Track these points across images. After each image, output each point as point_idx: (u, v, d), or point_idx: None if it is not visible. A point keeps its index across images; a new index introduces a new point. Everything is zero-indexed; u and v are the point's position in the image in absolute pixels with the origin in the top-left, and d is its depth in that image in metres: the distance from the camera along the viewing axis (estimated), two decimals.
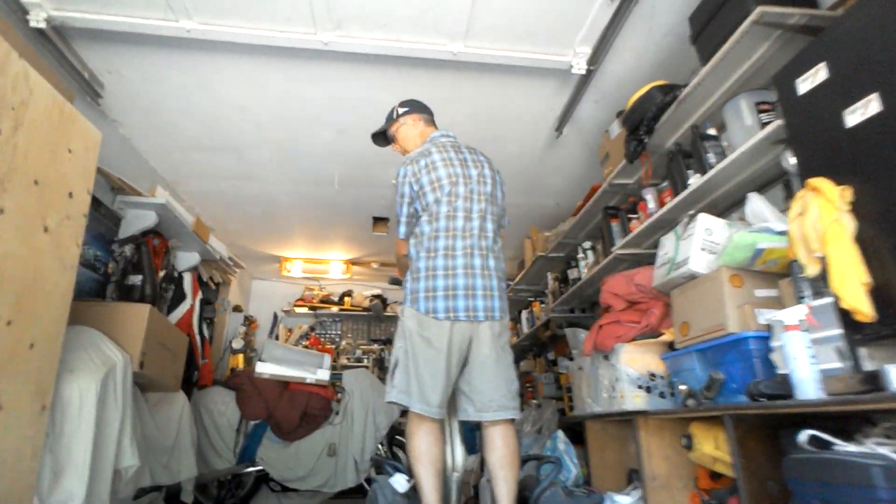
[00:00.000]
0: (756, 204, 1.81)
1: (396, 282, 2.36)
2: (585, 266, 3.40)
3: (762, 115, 1.82)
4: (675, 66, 2.41)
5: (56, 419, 1.85)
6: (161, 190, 3.13)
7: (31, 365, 1.68)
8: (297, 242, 5.09)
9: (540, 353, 4.81)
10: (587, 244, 3.41)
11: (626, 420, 2.40)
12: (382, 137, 2.31)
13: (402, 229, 2.01)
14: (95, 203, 2.86)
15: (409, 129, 2.21)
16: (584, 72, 2.39)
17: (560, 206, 4.10)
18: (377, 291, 6.19)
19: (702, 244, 1.89)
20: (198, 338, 3.58)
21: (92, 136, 2.08)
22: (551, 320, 4.08)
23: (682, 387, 1.93)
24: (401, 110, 2.22)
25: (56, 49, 2.31)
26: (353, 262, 5.76)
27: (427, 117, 2.25)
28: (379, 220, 4.57)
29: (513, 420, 1.84)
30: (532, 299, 4.84)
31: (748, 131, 1.82)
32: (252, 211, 4.24)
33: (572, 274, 3.62)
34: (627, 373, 2.18)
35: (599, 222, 3.25)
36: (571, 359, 3.35)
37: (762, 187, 2.00)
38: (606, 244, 2.90)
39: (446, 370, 1.76)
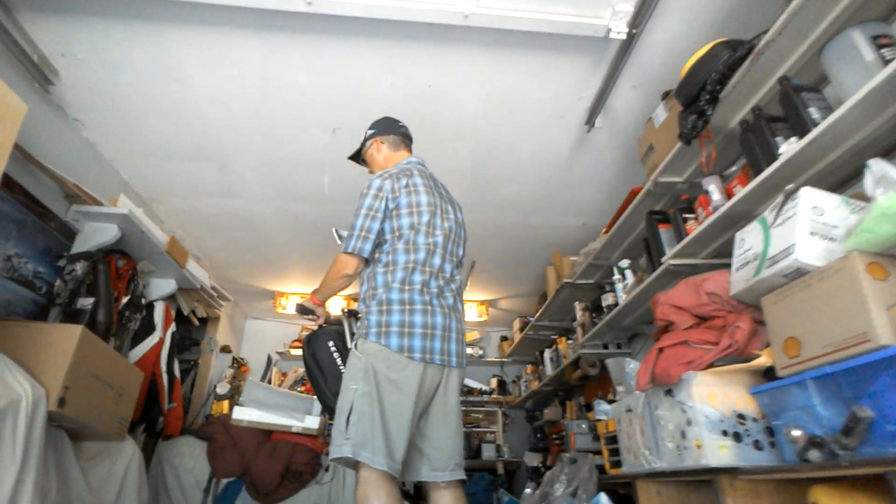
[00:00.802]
0: (883, 170, 1.29)
1: (306, 311, 1.97)
2: (623, 289, 2.85)
3: (884, 50, 1.34)
4: (735, 32, 1.96)
5: None
6: (125, 199, 2.70)
7: None
8: (292, 274, 4.61)
9: (567, 397, 4.16)
10: (624, 263, 2.87)
11: (702, 481, 1.78)
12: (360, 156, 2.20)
13: (362, 245, 1.74)
14: (41, 211, 2.43)
15: (375, 154, 2.08)
16: (623, 36, 1.95)
17: (588, 225, 3.59)
18: None
19: (810, 227, 1.36)
20: (165, 377, 3.03)
21: (12, 105, 1.66)
22: (581, 358, 3.48)
23: (796, 432, 1.33)
24: (368, 132, 2.12)
25: None
26: (355, 299, 5.23)
27: (394, 139, 2.09)
28: None
29: (464, 482, 1.70)
30: (556, 336, 4.25)
31: (867, 70, 1.34)
32: (239, 235, 3.79)
33: (606, 300, 3.06)
34: (705, 413, 1.59)
35: (640, 234, 2.74)
36: (612, 401, 2.73)
37: (889, 152, 1.48)
38: (654, 256, 2.36)
39: (411, 420, 1.57)
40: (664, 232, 2.30)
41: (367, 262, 1.80)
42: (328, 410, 1.83)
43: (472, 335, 5.60)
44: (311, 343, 1.92)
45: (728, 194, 1.88)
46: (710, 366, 1.61)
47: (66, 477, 1.99)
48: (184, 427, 3.30)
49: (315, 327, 2.01)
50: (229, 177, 3.06)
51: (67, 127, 2.60)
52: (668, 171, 2.26)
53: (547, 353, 4.16)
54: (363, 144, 2.13)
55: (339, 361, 1.84)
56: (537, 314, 4.20)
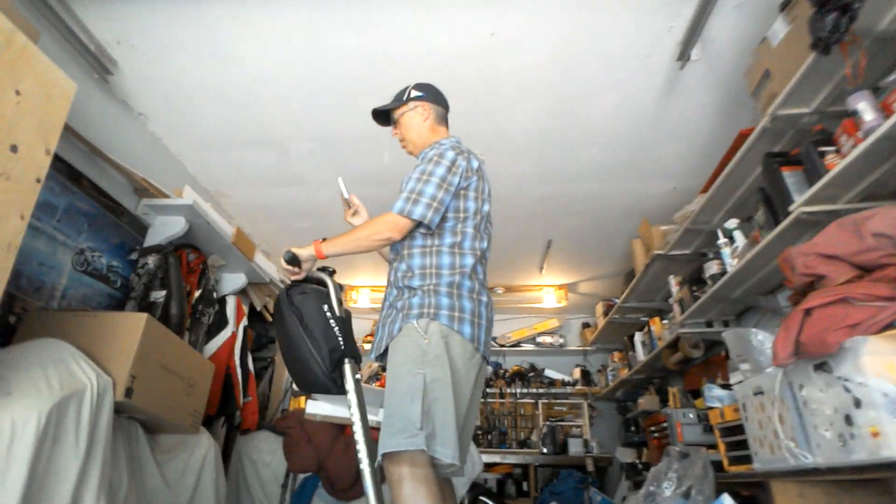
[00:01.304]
0: None
1: (296, 262, 1.59)
2: (732, 254, 2.42)
3: None
4: None
5: None
6: (189, 190, 2.67)
7: None
8: (360, 265, 4.52)
9: (664, 384, 3.73)
10: (731, 223, 2.44)
11: (869, 481, 1.39)
12: (384, 117, 1.88)
13: (432, 216, 1.54)
14: (112, 205, 2.43)
15: (416, 118, 1.80)
16: None
17: (679, 189, 3.15)
18: None
19: None
20: (239, 371, 2.99)
21: (60, 84, 1.59)
22: (681, 339, 3.06)
23: None
24: (414, 93, 1.81)
25: (52, 11, 1.93)
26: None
27: (441, 112, 1.85)
28: None
29: None
30: (647, 318, 3.82)
31: None
32: (304, 226, 3.72)
33: (709, 270, 2.64)
34: (883, 390, 1.20)
35: (752, 186, 2.32)
36: (726, 385, 2.33)
37: None
38: (777, 207, 1.95)
39: (469, 413, 1.49)
40: (790, 175, 1.88)
41: (413, 234, 1.61)
42: (316, 387, 1.54)
43: (550, 323, 5.26)
44: (294, 303, 1.57)
45: (886, 111, 1.46)
46: (888, 327, 1.22)
47: (140, 470, 1.94)
48: (261, 422, 3.26)
49: (288, 282, 1.67)
50: (288, 162, 2.97)
51: (133, 121, 2.61)
52: (790, 101, 1.84)
53: (637, 337, 3.74)
54: (401, 102, 1.81)
55: (336, 331, 1.54)
56: (624, 295, 3.80)
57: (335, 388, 1.53)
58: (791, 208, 1.82)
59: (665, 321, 3.31)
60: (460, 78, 2.31)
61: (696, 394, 2.95)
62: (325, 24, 2.05)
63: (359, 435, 1.48)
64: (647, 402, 3.61)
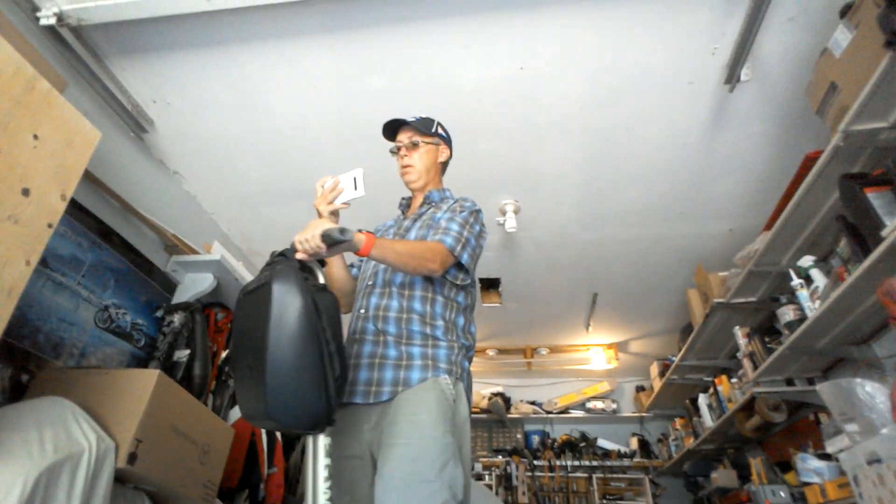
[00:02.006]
0: None
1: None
2: (812, 297, 2.11)
3: None
4: None
5: None
6: (218, 245, 2.63)
7: None
8: None
9: (739, 455, 3.24)
10: (806, 261, 2.15)
11: None
12: (391, 131, 1.67)
13: (473, 266, 1.47)
14: (144, 264, 2.40)
15: (434, 155, 1.65)
16: None
17: (736, 231, 2.88)
18: (497, 388, 5.08)
19: None
20: (264, 438, 2.78)
21: (83, 131, 1.58)
22: (757, 400, 2.65)
23: None
24: (440, 131, 1.68)
25: (90, 71, 2.00)
26: None
27: (448, 162, 1.75)
28: (489, 285, 3.68)
29: None
30: (711, 378, 3.41)
31: None
32: None
33: (784, 317, 2.31)
34: None
35: (827, 215, 2.05)
36: (826, 456, 1.94)
37: None
38: (866, 234, 1.67)
39: None
40: (876, 197, 1.62)
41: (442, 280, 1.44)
42: (313, 424, 1.10)
43: (601, 387, 4.83)
44: (318, 302, 1.13)
45: None
46: None
47: None
48: (289, 497, 2.99)
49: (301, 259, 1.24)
50: None
51: (169, 179, 2.64)
52: (865, 115, 1.63)
53: (702, 400, 3.32)
54: (428, 132, 1.63)
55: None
56: (681, 352, 3.43)
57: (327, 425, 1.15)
58: (884, 234, 1.55)
59: (734, 380, 2.92)
60: (491, 115, 2.22)
61: (785, 466, 2.50)
62: (351, 68, 2.03)
63: None
64: (722, 477, 3.12)
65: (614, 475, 4.43)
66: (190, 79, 2.11)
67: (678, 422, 4.02)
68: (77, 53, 1.93)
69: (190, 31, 1.90)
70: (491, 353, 4.70)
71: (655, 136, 2.30)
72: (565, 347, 4.58)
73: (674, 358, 3.64)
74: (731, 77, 1.93)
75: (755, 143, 2.29)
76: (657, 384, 4.11)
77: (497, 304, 3.81)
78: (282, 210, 2.91)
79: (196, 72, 2.08)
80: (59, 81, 1.62)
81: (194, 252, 2.58)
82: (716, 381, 3.10)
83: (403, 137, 1.63)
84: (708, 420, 3.22)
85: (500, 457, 4.61)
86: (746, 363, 2.67)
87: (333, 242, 1.17)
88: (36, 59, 1.53)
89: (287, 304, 1.07)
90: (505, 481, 4.41)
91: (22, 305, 1.78)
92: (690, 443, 3.61)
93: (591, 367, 4.60)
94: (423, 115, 1.67)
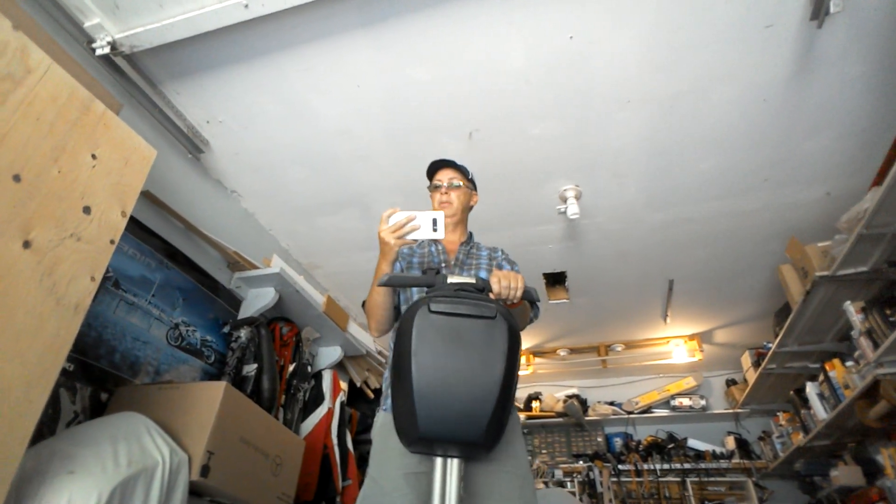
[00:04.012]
0: None
1: (531, 298, 1.29)
2: None
3: None
4: None
5: None
6: (277, 259, 2.64)
7: None
8: None
9: (861, 450, 2.83)
10: None
11: None
12: (433, 169, 1.77)
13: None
14: (210, 282, 2.45)
15: (468, 199, 1.78)
16: None
17: (835, 194, 2.54)
18: (571, 390, 4.84)
19: None
20: (337, 450, 2.75)
21: (140, 149, 1.60)
22: (882, 384, 2.29)
23: None
24: (474, 181, 1.84)
25: (146, 97, 2.07)
26: (534, 353, 4.61)
27: None
28: (554, 280, 3.49)
29: None
30: (817, 365, 3.03)
31: None
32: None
33: None
34: None
35: None
36: None
37: None
38: None
39: None
40: None
41: None
42: (487, 445, 1.11)
43: (685, 382, 4.47)
44: (515, 335, 1.15)
45: None
46: None
47: None
48: None
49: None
50: (373, 222, 2.87)
51: (227, 198, 2.69)
52: None
53: (810, 390, 2.94)
54: (468, 176, 1.78)
55: None
56: (778, 338, 3.07)
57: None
58: None
59: (849, 363, 2.55)
60: (541, 95, 2.08)
61: None
62: (391, 61, 1.96)
63: None
64: (844, 475, 2.73)
65: (711, 479, 4.05)
66: (237, 93, 2.14)
67: (782, 416, 3.61)
68: (133, 80, 2.01)
69: (233, 44, 1.92)
70: (562, 353, 4.48)
71: (729, 96, 2.06)
72: (642, 342, 4.28)
73: (769, 345, 3.28)
74: (819, 10, 1.67)
75: (852, 88, 1.99)
76: (751, 376, 3.72)
77: (564, 301, 3.61)
78: (334, 220, 2.90)
79: (242, 85, 2.10)
80: (114, 104, 1.66)
81: (255, 267, 2.61)
82: (826, 366, 2.73)
83: (444, 177, 1.73)
84: (820, 412, 2.84)
85: (581, 462, 4.35)
86: (864, 342, 2.33)
87: (529, 298, 1.28)
88: (90, 84, 1.57)
89: (518, 341, 1.14)
90: (588, 488, 4.15)
91: (97, 326, 1.83)
92: (800, 439, 3.21)
93: (673, 362, 4.26)
94: (461, 163, 1.77)
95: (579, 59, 1.94)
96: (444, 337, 1.08)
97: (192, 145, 2.32)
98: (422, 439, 1.05)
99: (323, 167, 2.51)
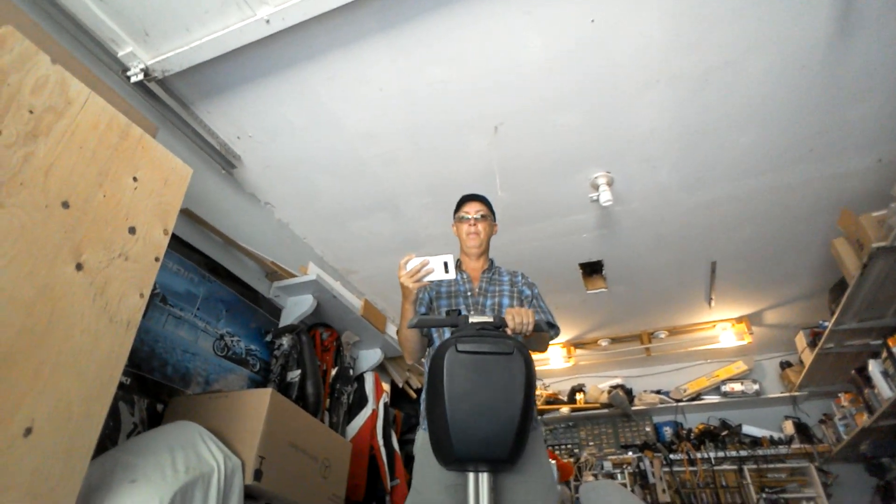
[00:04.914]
0: None
1: (541, 330, 1.51)
2: None
3: None
4: None
5: None
6: (313, 266, 2.70)
7: (22, 463, 1.05)
8: None
9: None
10: None
11: None
12: (472, 199, 1.94)
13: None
14: (250, 293, 2.52)
15: (491, 231, 1.93)
16: None
17: (887, 160, 2.40)
18: (615, 380, 4.74)
19: None
20: (383, 451, 2.78)
21: (177, 169, 1.66)
22: None
23: None
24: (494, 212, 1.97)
25: (179, 118, 2.15)
26: (575, 344, 4.54)
27: None
28: (591, 270, 3.43)
29: None
30: (879, 341, 2.87)
31: None
32: None
33: None
34: None
35: None
36: None
37: None
38: None
39: None
40: None
41: None
42: (508, 460, 1.32)
43: (736, 367, 4.31)
44: (530, 363, 1.37)
45: None
46: None
47: None
48: None
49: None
50: (403, 223, 2.89)
51: (261, 210, 2.77)
52: None
53: (873, 368, 2.78)
54: (491, 207, 1.94)
55: None
56: (835, 316, 2.92)
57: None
58: None
59: None
60: (564, 84, 2.05)
61: None
62: (411, 62, 1.97)
63: None
64: None
65: (770, 465, 3.89)
66: (264, 107, 2.19)
67: (844, 398, 3.43)
68: (166, 103, 2.08)
69: (258, 59, 1.96)
70: (603, 343, 4.40)
71: (765, 66, 1.97)
72: (687, 327, 4.15)
73: (825, 324, 3.12)
74: None
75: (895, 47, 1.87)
76: (807, 357, 3.55)
77: (603, 290, 3.54)
78: (366, 224, 2.93)
79: (269, 98, 2.15)
80: (150, 127, 1.73)
81: (292, 276, 2.67)
82: (889, 342, 2.58)
83: (471, 209, 1.88)
84: (885, 390, 2.68)
85: (630, 453, 4.26)
86: None
87: (539, 330, 1.47)
88: (127, 110, 1.64)
89: (533, 371, 1.32)
90: (640, 478, 4.06)
91: (149, 340, 1.92)
92: (864, 420, 3.05)
93: (721, 346, 4.11)
94: (487, 196, 1.94)
95: (602, 44, 1.89)
96: (471, 372, 1.28)
97: (224, 161, 2.39)
98: (457, 460, 1.24)
99: (351, 173, 2.54)
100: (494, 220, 1.94)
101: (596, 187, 2.56)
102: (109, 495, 1.25)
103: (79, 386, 1.19)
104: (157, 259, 1.50)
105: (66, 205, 1.27)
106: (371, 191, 2.66)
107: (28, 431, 1.06)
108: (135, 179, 1.49)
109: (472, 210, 1.87)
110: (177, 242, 2.14)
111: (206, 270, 2.28)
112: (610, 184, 2.55)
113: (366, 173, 2.54)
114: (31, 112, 1.25)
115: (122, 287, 1.36)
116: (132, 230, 1.44)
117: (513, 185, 2.58)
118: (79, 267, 1.27)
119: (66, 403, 1.15)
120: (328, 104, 2.16)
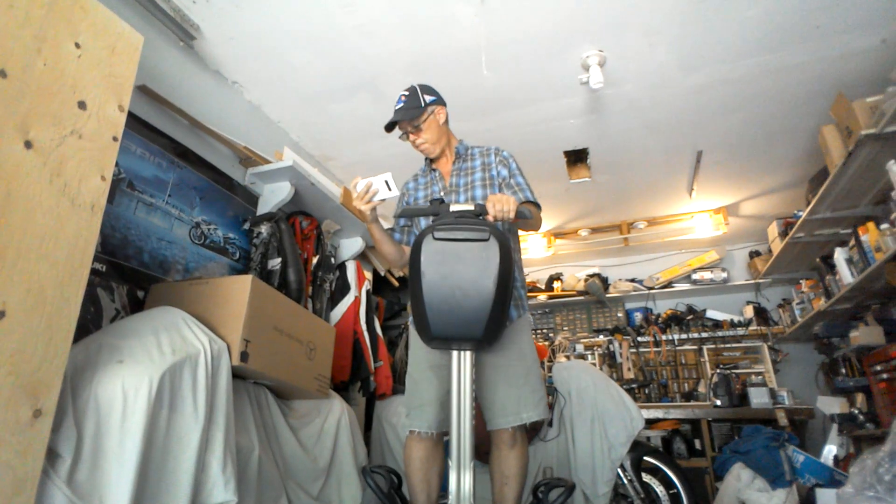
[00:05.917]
0: None
1: (524, 216, 1.48)
2: None
3: None
4: None
5: (86, 433, 1.20)
6: (289, 151, 2.57)
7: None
8: None
9: (887, 311, 2.87)
10: None
11: None
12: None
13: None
14: (224, 179, 2.42)
15: (435, 123, 1.80)
16: None
17: (890, 41, 2.27)
18: (593, 269, 4.91)
19: None
20: (367, 335, 2.90)
21: (125, 36, 1.48)
22: None
23: None
24: (427, 98, 1.78)
25: None
26: (555, 234, 4.61)
27: (447, 111, 1.87)
28: (576, 158, 3.36)
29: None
30: (847, 231, 2.96)
31: None
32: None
33: None
34: None
35: None
36: None
37: None
38: None
39: None
40: None
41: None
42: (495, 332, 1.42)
43: (708, 256, 4.47)
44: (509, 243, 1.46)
45: None
46: None
47: (276, 436, 1.88)
48: (398, 386, 3.18)
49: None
50: (386, 106, 2.72)
51: (229, 90, 2.56)
52: None
53: (839, 255, 2.89)
54: (421, 110, 1.74)
55: None
56: (811, 204, 2.97)
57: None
58: None
59: (884, 226, 2.47)
60: None
61: None
62: None
63: None
64: (865, 334, 2.79)
65: (727, 345, 4.22)
66: None
67: (804, 284, 3.62)
68: None
69: None
70: (583, 233, 4.47)
71: None
72: (665, 218, 4.21)
73: (800, 213, 3.18)
74: None
75: None
76: (777, 246, 3.68)
77: (586, 179, 3.50)
78: (346, 106, 2.75)
79: None
80: None
81: (267, 162, 2.55)
82: (859, 230, 2.66)
83: (403, 129, 1.78)
84: (847, 276, 2.82)
85: (602, 336, 4.55)
86: None
87: (522, 217, 1.45)
88: None
89: (509, 256, 1.36)
90: (608, 359, 4.38)
91: (121, 227, 1.85)
92: (821, 304, 3.25)
93: (696, 237, 4.22)
94: (406, 93, 1.76)
95: None
96: (447, 258, 1.33)
97: (181, 30, 2.15)
98: (436, 338, 1.35)
99: (329, 48, 2.32)
100: (432, 105, 1.77)
101: (587, 68, 2.41)
102: (97, 375, 1.27)
103: (48, 269, 1.15)
104: (115, 139, 1.39)
105: (3, 73, 1.14)
106: (351, 69, 2.45)
107: (1, 315, 1.04)
108: (77, 46, 1.34)
109: (402, 132, 1.80)
110: (138, 123, 1.99)
111: (175, 155, 2.15)
112: (602, 64, 2.39)
113: (345, 48, 2.32)
114: None
115: (80, 168, 1.28)
116: (82, 105, 1.32)
117: (499, 63, 2.40)
118: (28, 144, 1.17)
119: (38, 287, 1.12)
120: None
